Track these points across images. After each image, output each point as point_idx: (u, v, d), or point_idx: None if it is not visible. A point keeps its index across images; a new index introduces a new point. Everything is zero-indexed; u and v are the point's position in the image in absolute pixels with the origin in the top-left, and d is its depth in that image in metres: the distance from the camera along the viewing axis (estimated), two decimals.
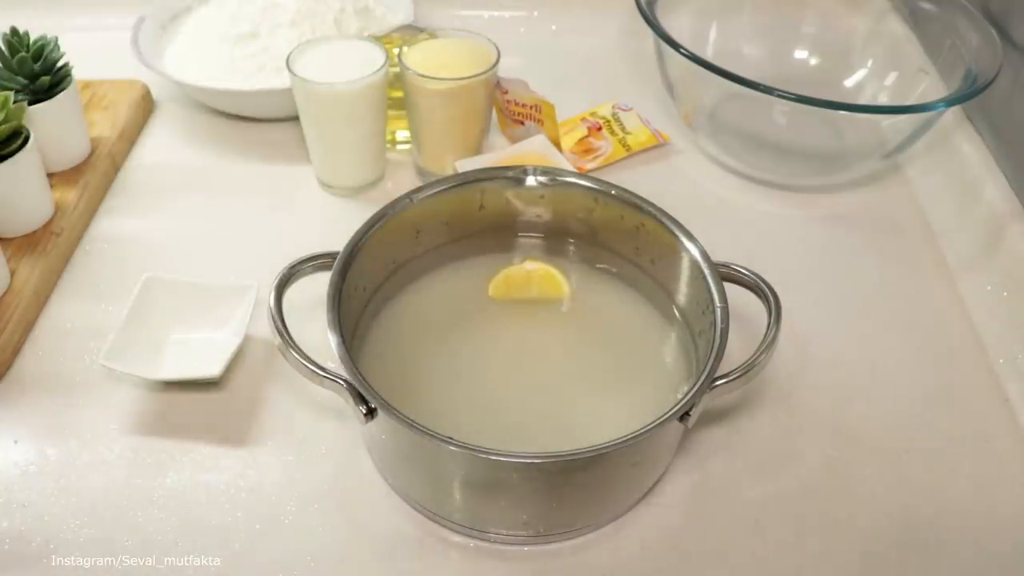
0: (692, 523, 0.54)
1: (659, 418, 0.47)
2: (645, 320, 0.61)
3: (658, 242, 0.59)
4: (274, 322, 0.51)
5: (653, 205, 0.59)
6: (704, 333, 0.54)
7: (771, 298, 0.54)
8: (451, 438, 0.46)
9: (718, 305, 0.53)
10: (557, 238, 0.64)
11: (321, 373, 0.49)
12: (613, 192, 0.60)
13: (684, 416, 0.49)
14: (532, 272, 0.62)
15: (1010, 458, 0.58)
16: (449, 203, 0.61)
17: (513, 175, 0.61)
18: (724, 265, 0.56)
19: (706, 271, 0.55)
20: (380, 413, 0.48)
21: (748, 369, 0.51)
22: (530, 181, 0.61)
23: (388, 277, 0.60)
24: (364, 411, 0.48)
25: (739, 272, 0.56)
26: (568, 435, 0.53)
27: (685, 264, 0.57)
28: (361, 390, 0.48)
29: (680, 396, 0.54)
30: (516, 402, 0.57)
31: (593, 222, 0.62)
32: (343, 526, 0.53)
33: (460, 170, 0.66)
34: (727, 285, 0.54)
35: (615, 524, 0.53)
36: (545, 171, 0.61)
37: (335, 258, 0.54)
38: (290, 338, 0.51)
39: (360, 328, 0.58)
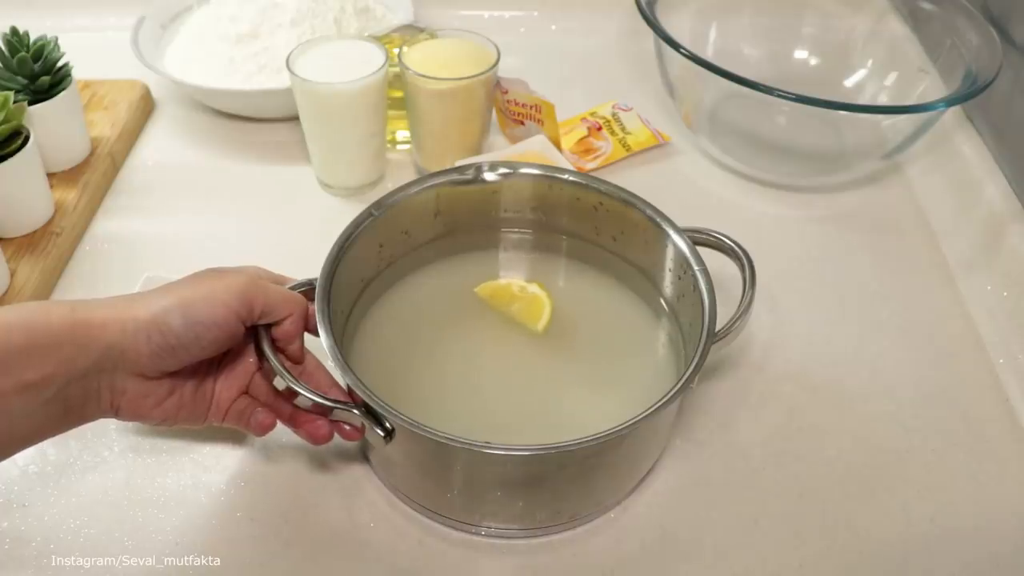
0: (685, 512, 0.54)
1: (678, 382, 0.48)
2: (624, 302, 0.62)
3: (621, 216, 0.60)
4: (273, 365, 0.49)
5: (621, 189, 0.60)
6: (685, 296, 0.56)
7: (743, 257, 0.56)
8: (488, 443, 0.45)
9: (696, 268, 0.54)
10: (521, 227, 0.65)
11: (331, 404, 0.49)
12: (565, 176, 0.61)
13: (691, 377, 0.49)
14: (522, 295, 0.61)
15: (1010, 458, 0.58)
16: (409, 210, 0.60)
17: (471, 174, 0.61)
18: (691, 230, 0.57)
19: (671, 233, 0.56)
20: (399, 433, 0.47)
21: (738, 318, 0.53)
22: (488, 176, 0.61)
23: (362, 291, 0.60)
24: (383, 434, 0.48)
25: (709, 236, 0.57)
26: (560, 423, 0.53)
27: (652, 235, 0.58)
28: (382, 413, 0.47)
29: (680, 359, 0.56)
30: (505, 397, 0.57)
31: (549, 207, 0.62)
32: (342, 526, 0.53)
33: None
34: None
35: (608, 515, 0.54)
36: (493, 165, 0.61)
37: (314, 285, 0.52)
38: (294, 378, 0.49)
39: (347, 333, 0.58)
